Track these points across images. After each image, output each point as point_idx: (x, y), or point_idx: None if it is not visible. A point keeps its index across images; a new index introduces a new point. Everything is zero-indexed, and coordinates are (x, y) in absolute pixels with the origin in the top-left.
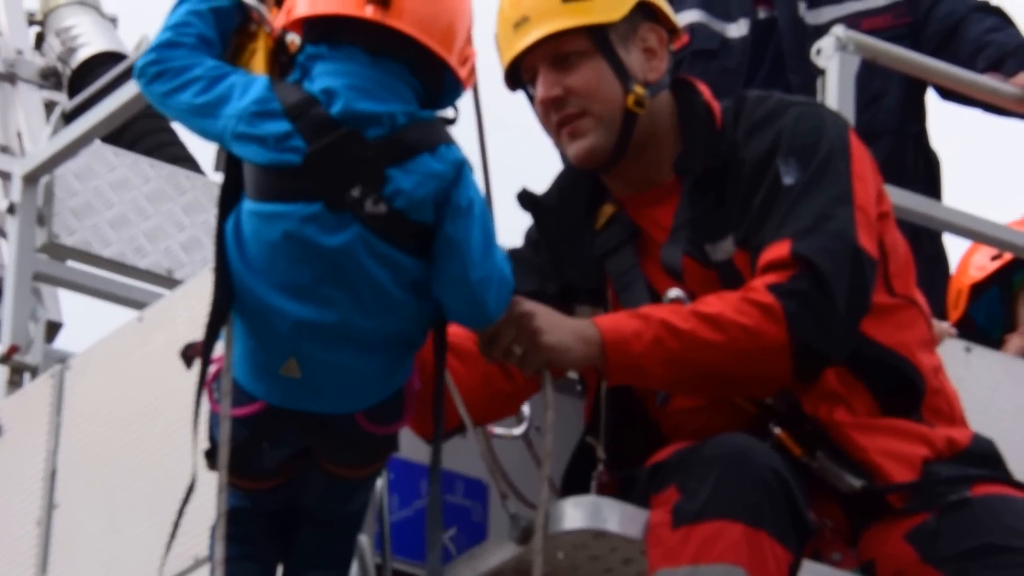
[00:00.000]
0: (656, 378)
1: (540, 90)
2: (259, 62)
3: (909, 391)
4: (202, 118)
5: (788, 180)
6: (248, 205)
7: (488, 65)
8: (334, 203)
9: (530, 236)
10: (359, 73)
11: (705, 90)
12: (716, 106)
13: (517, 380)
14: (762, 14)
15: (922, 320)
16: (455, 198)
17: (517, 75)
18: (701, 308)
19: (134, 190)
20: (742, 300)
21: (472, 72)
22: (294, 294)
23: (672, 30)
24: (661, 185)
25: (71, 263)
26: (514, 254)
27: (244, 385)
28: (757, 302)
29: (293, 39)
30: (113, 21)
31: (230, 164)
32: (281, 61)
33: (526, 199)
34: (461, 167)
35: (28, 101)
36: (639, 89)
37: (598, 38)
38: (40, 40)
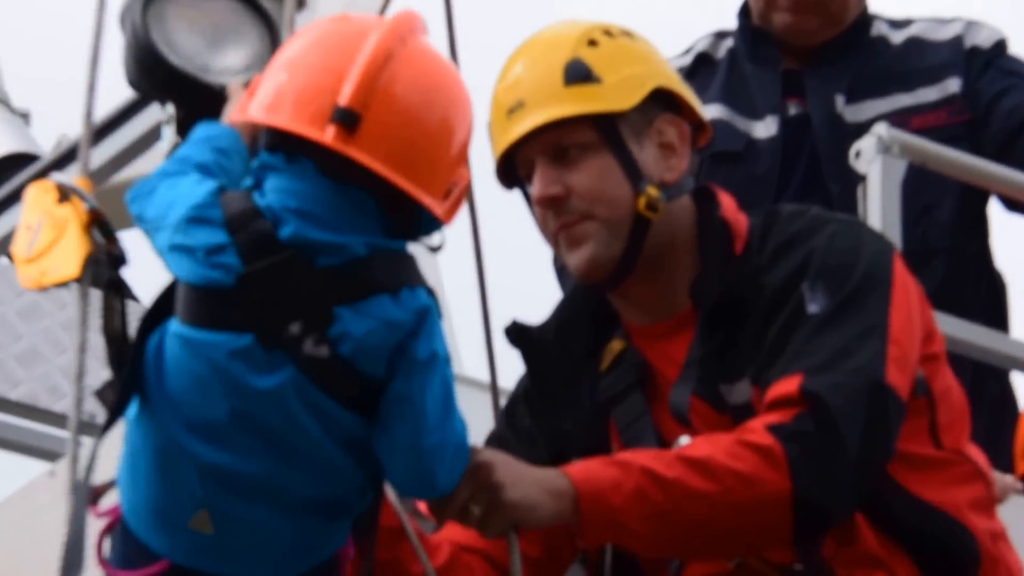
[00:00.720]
0: (638, 535)
1: (537, 187)
2: (70, 241)
3: (960, 559)
4: (154, 234)
5: (813, 308)
6: (174, 326)
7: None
8: (268, 339)
9: (516, 396)
10: (316, 197)
11: (727, 200)
12: (742, 220)
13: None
14: (793, 110)
15: (978, 479)
16: (413, 351)
17: (512, 170)
18: (688, 452)
19: (47, 318)
20: (737, 443)
21: (458, 202)
22: (209, 435)
23: (698, 125)
24: (677, 315)
25: None
26: (493, 439)
27: (144, 539)
28: (754, 444)
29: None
30: (24, 117)
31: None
32: (97, 239)
33: (516, 333)
34: (425, 316)
35: None
36: (652, 190)
37: (606, 129)
38: None
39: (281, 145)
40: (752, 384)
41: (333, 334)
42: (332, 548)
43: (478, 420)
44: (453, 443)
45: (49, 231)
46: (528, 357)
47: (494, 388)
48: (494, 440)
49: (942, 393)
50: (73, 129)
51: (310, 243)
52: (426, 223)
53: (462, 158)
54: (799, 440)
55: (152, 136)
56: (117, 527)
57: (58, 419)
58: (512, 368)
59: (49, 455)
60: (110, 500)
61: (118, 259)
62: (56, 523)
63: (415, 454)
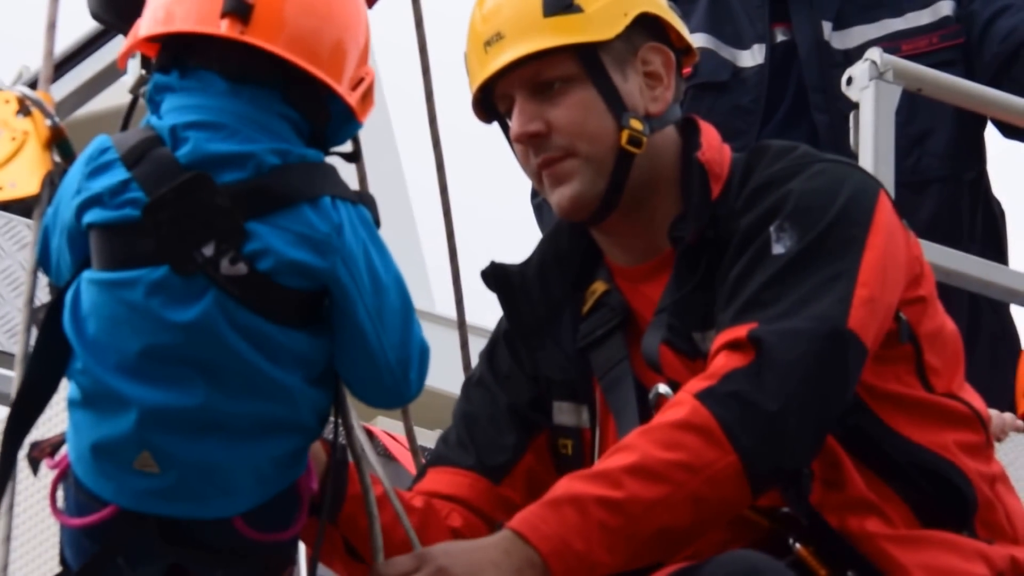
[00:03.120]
0: (612, 565)
1: (516, 124)
2: (29, 156)
3: (954, 501)
4: (53, 230)
5: (778, 249)
6: (87, 273)
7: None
8: (182, 265)
9: (495, 338)
10: (214, 106)
11: (709, 135)
12: (726, 156)
13: None
14: (780, 37)
15: (972, 422)
16: (352, 268)
17: (490, 103)
18: (625, 461)
19: (7, 258)
20: (670, 427)
21: (368, 97)
22: (142, 376)
23: (683, 50)
24: (658, 256)
25: None
26: (472, 381)
27: (90, 486)
28: (687, 424)
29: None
30: None
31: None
32: (59, 160)
33: (494, 276)
34: (354, 223)
35: None
36: (636, 123)
37: (588, 61)
38: None
39: (174, 61)
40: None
41: (249, 250)
42: (289, 476)
43: (451, 359)
44: (418, 350)
45: (6, 144)
46: (506, 300)
47: (462, 327)
48: (473, 382)
49: (930, 336)
50: (35, 61)
51: (211, 157)
52: (339, 127)
53: (365, 52)
54: (731, 405)
55: (114, 70)
56: (68, 476)
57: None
58: (490, 308)
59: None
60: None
61: None
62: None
63: (379, 372)
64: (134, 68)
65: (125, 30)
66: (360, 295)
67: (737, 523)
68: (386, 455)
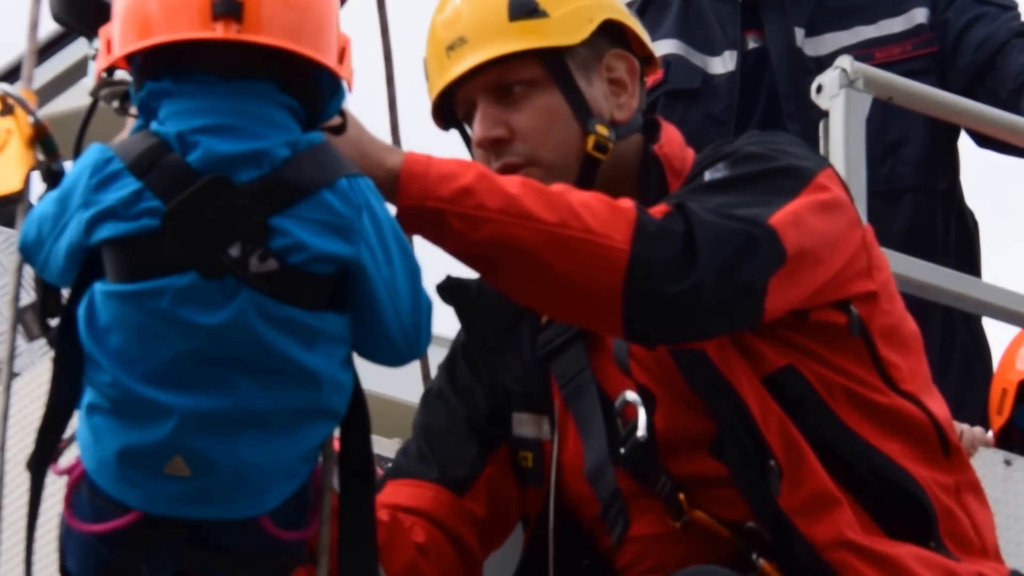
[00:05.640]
0: (453, 233)
1: (478, 129)
2: (11, 154)
3: (913, 510)
4: (60, 236)
5: (710, 176)
6: (101, 286)
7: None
8: (209, 269)
9: (454, 350)
10: (217, 108)
11: (670, 134)
12: (688, 157)
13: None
14: (752, 43)
15: (929, 429)
16: (371, 245)
17: (450, 110)
18: (542, 185)
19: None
20: (596, 196)
21: (350, 64)
22: (178, 383)
23: (646, 58)
24: None
25: None
26: (431, 393)
27: (111, 492)
28: (612, 204)
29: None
30: None
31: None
32: (43, 158)
33: (449, 289)
34: (371, 204)
35: None
36: (602, 129)
37: (553, 65)
38: None
39: (164, 67)
40: None
41: (277, 245)
42: (308, 470)
43: (409, 368)
44: (426, 311)
45: None
46: (463, 313)
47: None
48: (432, 394)
49: (885, 331)
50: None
51: (225, 159)
52: (329, 102)
53: (338, 22)
54: (658, 227)
55: (78, 70)
56: (82, 483)
57: None
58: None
59: None
60: (70, 456)
61: (59, 176)
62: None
63: (393, 337)
64: (94, 71)
65: (88, 33)
66: (378, 270)
67: (700, 538)
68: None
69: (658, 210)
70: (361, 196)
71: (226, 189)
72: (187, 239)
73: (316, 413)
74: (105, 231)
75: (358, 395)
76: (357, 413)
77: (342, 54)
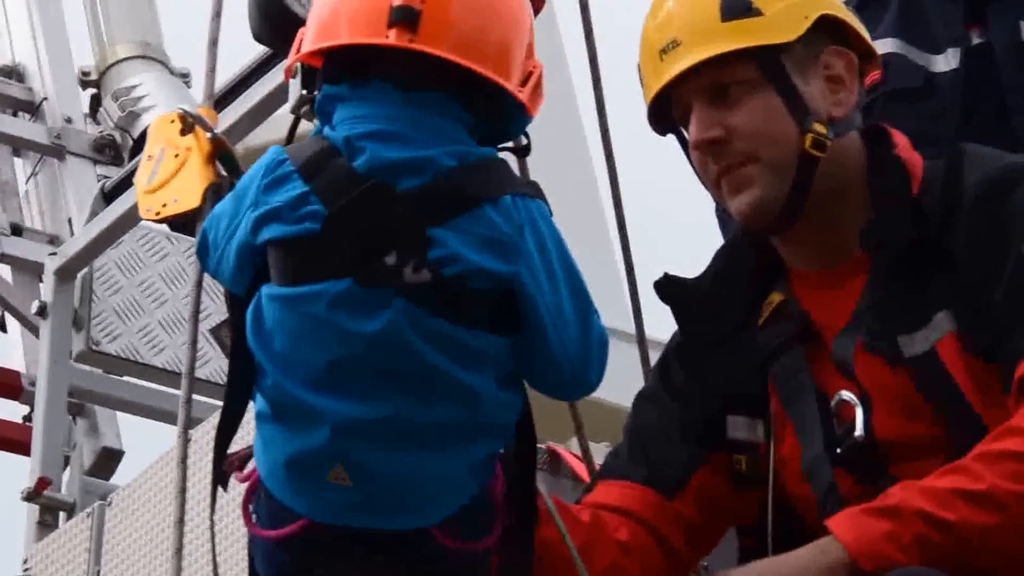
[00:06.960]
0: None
1: (694, 131)
2: (191, 171)
3: None
4: (236, 233)
5: None
6: (266, 289)
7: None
8: (365, 276)
9: (669, 351)
10: (388, 115)
11: (900, 139)
12: (917, 161)
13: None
14: (976, 39)
15: None
16: (532, 267)
17: (666, 114)
18: (963, 485)
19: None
20: (1012, 459)
21: (538, 90)
22: (332, 389)
23: (865, 54)
24: (847, 261)
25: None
26: (644, 395)
27: (282, 499)
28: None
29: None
30: (184, 78)
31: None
32: (221, 169)
33: (668, 288)
34: (536, 225)
35: (79, 179)
36: (819, 127)
37: (768, 64)
38: (95, 104)
39: (343, 73)
40: (948, 332)
41: (434, 257)
42: (482, 481)
43: (628, 374)
44: (597, 344)
45: (171, 162)
46: (680, 312)
47: (642, 342)
48: (646, 396)
49: None
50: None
51: (389, 165)
52: (512, 123)
53: (531, 46)
54: None
55: (276, 99)
56: (259, 489)
57: (201, 384)
58: (665, 321)
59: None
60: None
61: None
62: (191, 491)
63: (559, 367)
64: (295, 89)
65: (286, 52)
66: (540, 293)
67: None
68: (575, 478)
69: None
70: (525, 215)
71: (387, 197)
72: (345, 245)
73: (477, 428)
74: (269, 232)
75: (526, 419)
76: (523, 444)
77: (528, 77)
